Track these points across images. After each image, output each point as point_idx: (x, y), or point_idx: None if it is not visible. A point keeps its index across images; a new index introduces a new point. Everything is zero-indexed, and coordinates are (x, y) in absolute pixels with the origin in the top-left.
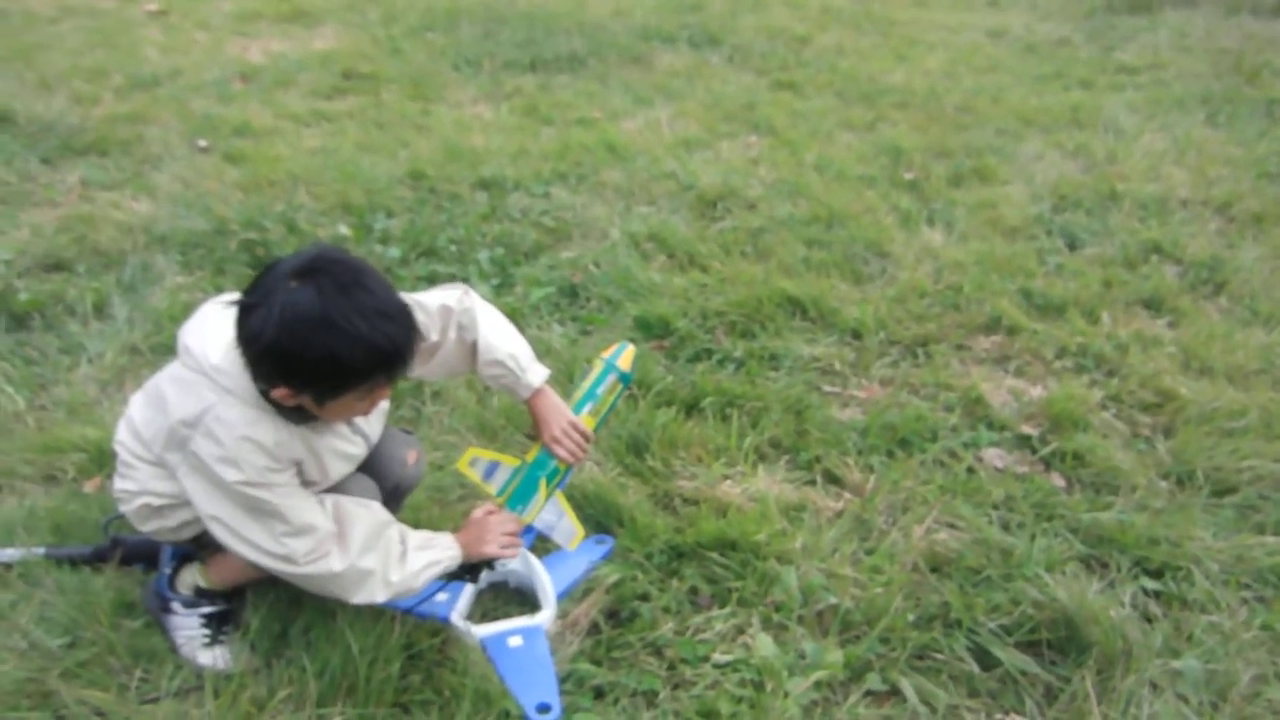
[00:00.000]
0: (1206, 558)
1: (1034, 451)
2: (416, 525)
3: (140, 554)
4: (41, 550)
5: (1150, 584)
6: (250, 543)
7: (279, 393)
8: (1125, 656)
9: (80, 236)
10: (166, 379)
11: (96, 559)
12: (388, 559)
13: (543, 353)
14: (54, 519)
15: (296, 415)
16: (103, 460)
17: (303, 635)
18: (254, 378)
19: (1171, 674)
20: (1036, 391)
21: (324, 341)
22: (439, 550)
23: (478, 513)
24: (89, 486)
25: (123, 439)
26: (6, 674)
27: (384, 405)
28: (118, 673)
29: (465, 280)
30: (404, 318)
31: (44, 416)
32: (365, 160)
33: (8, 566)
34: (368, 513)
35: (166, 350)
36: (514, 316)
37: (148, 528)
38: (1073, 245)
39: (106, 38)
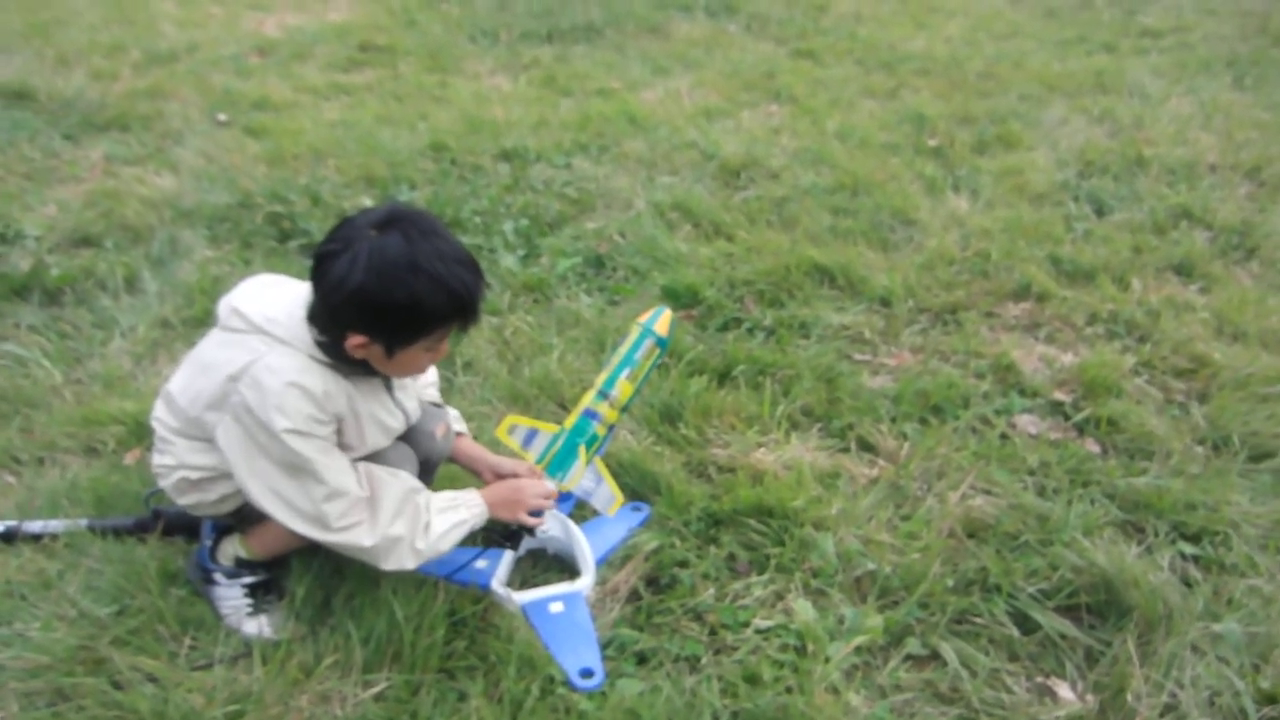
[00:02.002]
0: (1244, 522)
1: (1067, 418)
2: None
3: (181, 525)
4: (84, 522)
5: (1188, 548)
6: (285, 501)
7: (353, 341)
8: (1166, 620)
9: (107, 212)
10: (211, 345)
11: (138, 530)
12: (415, 526)
13: (572, 323)
14: (96, 491)
15: (350, 369)
16: (141, 433)
17: (346, 604)
18: (326, 327)
19: (1213, 637)
20: (1068, 358)
21: (410, 285)
22: (464, 509)
23: (522, 468)
24: (129, 458)
25: (159, 415)
26: (59, 641)
27: (426, 381)
28: (167, 640)
29: (492, 251)
30: (476, 267)
31: (81, 390)
32: (386, 133)
33: (54, 537)
34: (397, 481)
35: (198, 323)
36: (540, 288)
37: (186, 501)
38: (1100, 211)
39: (123, 13)
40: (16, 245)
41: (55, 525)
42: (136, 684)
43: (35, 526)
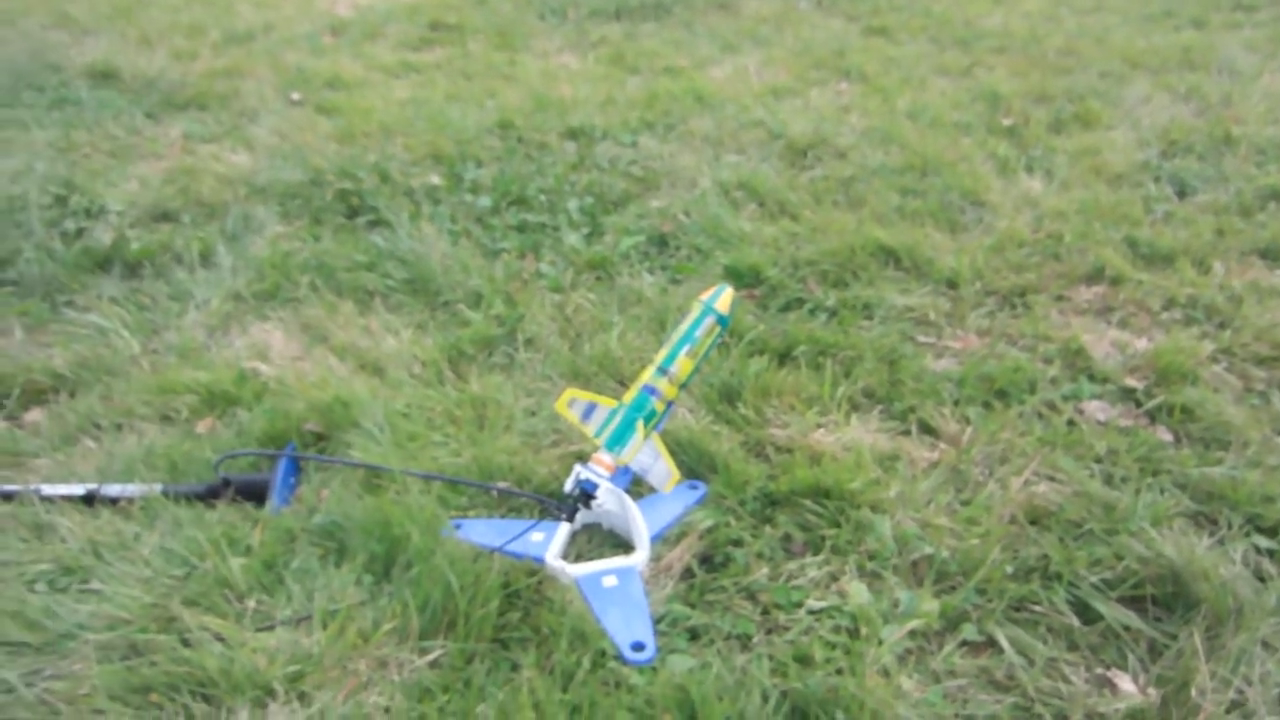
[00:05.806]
0: None
1: (1139, 405)
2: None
3: (250, 492)
4: (159, 487)
5: (1263, 542)
6: None
7: None
8: (1236, 614)
9: (184, 188)
10: None
11: (209, 496)
12: None
13: (634, 301)
14: (170, 457)
15: None
16: (213, 402)
17: (404, 573)
18: None
19: None
20: (1142, 344)
21: None
22: None
23: None
24: (201, 427)
25: None
26: (135, 598)
27: None
28: (233, 601)
29: (556, 229)
30: None
31: (157, 360)
32: (454, 110)
33: (130, 500)
34: None
35: (269, 296)
36: (603, 266)
37: None
38: (1183, 192)
39: None
40: (100, 220)
41: (132, 489)
42: (205, 643)
43: (114, 490)
